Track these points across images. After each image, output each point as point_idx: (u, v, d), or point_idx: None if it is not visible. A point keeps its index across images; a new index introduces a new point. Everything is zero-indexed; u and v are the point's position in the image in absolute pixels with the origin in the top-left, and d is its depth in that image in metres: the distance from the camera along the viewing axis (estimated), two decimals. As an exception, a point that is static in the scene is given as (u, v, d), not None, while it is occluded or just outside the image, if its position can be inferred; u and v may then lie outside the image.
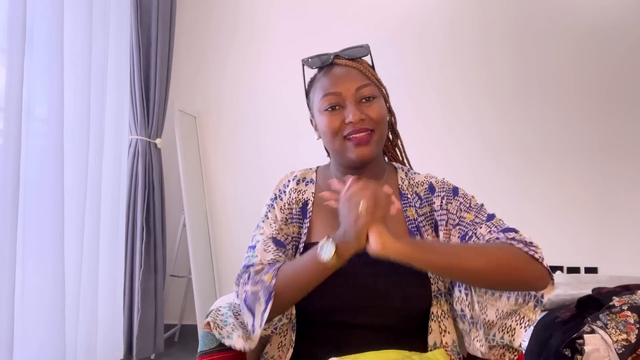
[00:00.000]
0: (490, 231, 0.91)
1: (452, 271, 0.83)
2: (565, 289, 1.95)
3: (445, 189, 1.00)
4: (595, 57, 3.00)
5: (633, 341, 1.34)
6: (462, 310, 0.90)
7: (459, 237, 0.94)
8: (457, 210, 0.97)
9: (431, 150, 2.97)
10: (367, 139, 0.93)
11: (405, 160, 1.12)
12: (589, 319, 1.44)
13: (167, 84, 2.88)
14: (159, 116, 2.81)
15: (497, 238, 0.88)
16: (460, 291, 0.91)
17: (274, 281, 0.85)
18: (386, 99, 1.02)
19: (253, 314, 0.86)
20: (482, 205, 0.99)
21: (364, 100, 0.95)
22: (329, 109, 0.95)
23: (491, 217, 0.94)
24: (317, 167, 1.11)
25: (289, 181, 1.07)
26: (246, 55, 3.19)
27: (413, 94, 3.03)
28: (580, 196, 2.98)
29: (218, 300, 1.07)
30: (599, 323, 1.40)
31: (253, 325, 0.86)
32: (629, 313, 1.40)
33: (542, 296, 0.89)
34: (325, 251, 0.80)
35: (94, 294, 2.31)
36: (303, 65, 1.03)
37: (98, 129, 2.37)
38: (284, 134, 3.12)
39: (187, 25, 3.18)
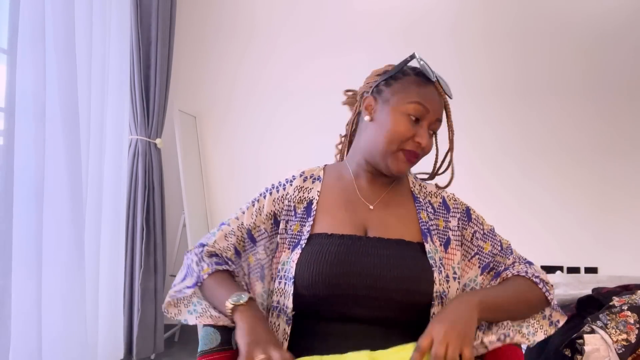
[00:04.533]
0: (513, 265, 1.02)
1: (499, 318, 0.93)
2: (565, 289, 1.95)
3: (459, 210, 1.04)
4: (596, 59, 3.00)
5: (633, 341, 1.34)
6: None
7: (479, 267, 1.01)
8: (472, 238, 1.02)
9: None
10: (414, 160, 0.99)
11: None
12: (589, 319, 1.44)
13: (167, 84, 2.87)
14: (159, 116, 2.81)
15: (518, 272, 1.00)
16: None
17: (203, 277, 0.96)
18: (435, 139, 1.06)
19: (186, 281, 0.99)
20: (493, 229, 1.06)
21: (431, 132, 1.00)
22: (413, 118, 0.97)
23: (507, 249, 1.04)
24: (325, 166, 1.11)
25: (293, 177, 1.06)
26: (246, 54, 3.19)
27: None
28: (580, 196, 2.98)
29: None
30: (599, 323, 1.40)
31: (184, 289, 0.98)
32: (629, 313, 1.40)
33: (557, 321, 0.98)
34: (234, 299, 0.88)
35: (94, 293, 2.30)
36: (411, 58, 1.02)
37: (98, 129, 2.36)
38: (284, 133, 3.12)
39: (187, 25, 3.18)
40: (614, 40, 2.98)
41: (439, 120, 0.99)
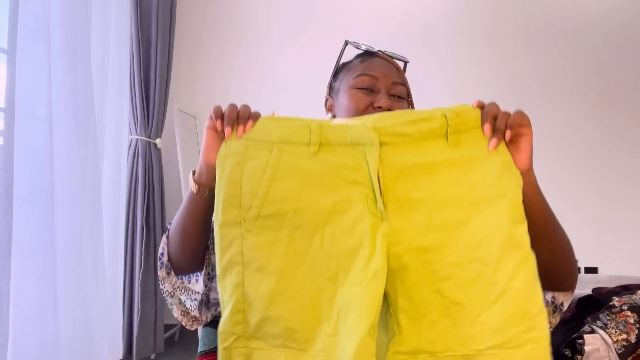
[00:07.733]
0: None
1: (542, 227, 0.78)
2: (565, 289, 1.95)
3: None
4: (599, 54, 3.00)
5: (633, 341, 1.34)
6: None
7: None
8: None
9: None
10: None
11: None
12: (589, 319, 1.44)
13: (167, 84, 2.87)
14: (159, 116, 2.81)
15: None
16: None
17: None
18: (410, 104, 1.04)
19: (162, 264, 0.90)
20: None
21: (393, 96, 0.97)
22: (361, 89, 0.96)
23: None
24: None
25: None
26: (246, 54, 3.19)
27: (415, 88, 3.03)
28: (580, 196, 2.98)
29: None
30: (599, 323, 1.40)
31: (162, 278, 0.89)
32: (629, 313, 1.39)
33: (561, 304, 0.87)
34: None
35: (94, 293, 2.30)
36: (345, 45, 1.04)
37: (98, 129, 2.36)
38: (284, 134, 3.12)
39: (187, 25, 3.18)
40: (615, 36, 2.98)
41: (397, 84, 0.97)
